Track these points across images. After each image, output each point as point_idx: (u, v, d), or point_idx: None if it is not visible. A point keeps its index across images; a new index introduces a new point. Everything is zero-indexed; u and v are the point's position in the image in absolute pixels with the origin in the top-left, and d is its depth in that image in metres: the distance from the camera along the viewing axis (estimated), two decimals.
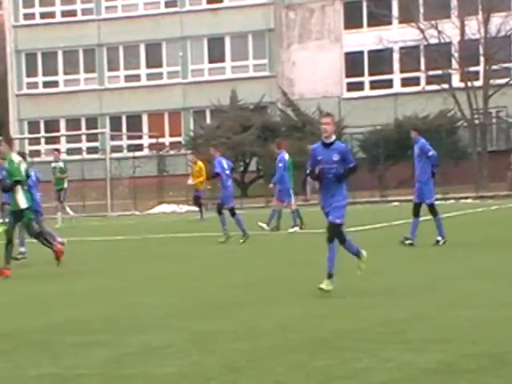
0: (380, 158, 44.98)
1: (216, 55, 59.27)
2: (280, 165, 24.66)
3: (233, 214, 22.00)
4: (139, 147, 57.44)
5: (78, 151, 59.35)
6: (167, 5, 60.37)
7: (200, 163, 33.62)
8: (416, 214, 18.49)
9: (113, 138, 55.96)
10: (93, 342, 9.60)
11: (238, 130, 48.18)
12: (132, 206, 44.69)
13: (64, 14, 62.44)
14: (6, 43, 64.39)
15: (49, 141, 60.31)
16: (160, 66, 60.54)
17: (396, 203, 37.32)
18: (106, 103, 59.97)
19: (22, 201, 17.14)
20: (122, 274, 17.19)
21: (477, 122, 46.70)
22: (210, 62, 59.54)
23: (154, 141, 56.92)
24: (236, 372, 7.74)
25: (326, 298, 11.98)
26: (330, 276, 11.96)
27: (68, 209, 33.36)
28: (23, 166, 17.46)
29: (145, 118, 60.60)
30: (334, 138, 12.41)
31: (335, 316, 10.52)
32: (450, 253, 17.26)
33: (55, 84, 62.60)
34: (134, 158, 52.09)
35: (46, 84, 62.81)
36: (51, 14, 62.71)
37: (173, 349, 9.03)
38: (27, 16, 63.28)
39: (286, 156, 25.08)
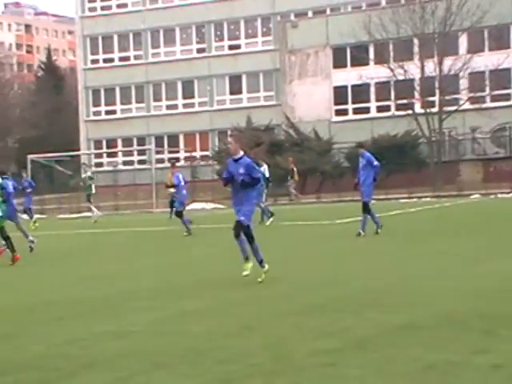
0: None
1: (235, 89, 59.39)
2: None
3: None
4: (177, 159, 57.49)
5: (131, 163, 59.63)
6: (198, 51, 60.48)
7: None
8: (365, 210, 17.93)
9: (157, 152, 56.02)
10: (142, 306, 9.63)
11: (252, 145, 48.10)
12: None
13: (120, 59, 62.64)
14: (78, 82, 64.62)
15: (109, 155, 60.55)
16: (192, 97, 60.63)
17: (372, 201, 37.15)
18: (152, 126, 60.11)
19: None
20: (165, 254, 17.26)
21: (434, 139, 46.66)
22: (231, 94, 59.65)
23: (188, 154, 56.96)
24: (250, 330, 7.75)
25: (320, 272, 11.98)
26: (247, 259, 11.13)
27: (94, 208, 32.97)
28: None
29: (181, 138, 60.75)
30: (241, 154, 11.23)
31: (327, 287, 10.51)
32: (414, 239, 17.19)
33: (114, 112, 62.77)
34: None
35: (107, 112, 63.01)
36: (111, 60, 62.91)
37: (203, 312, 9.06)
38: (93, 61, 63.49)
39: (263, 168, 24.67)
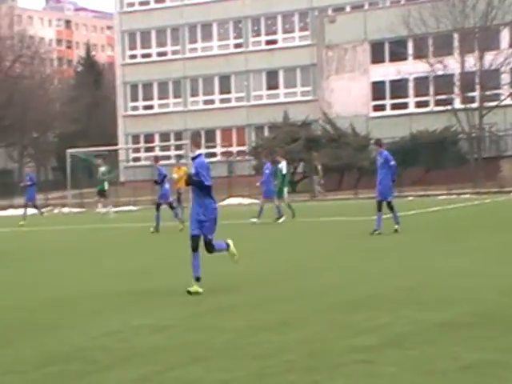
0: (398, 162, 44.47)
1: (272, 84, 59.31)
2: (266, 171, 24.06)
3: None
4: (213, 154, 57.56)
5: (168, 157, 59.78)
6: (235, 46, 60.49)
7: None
8: (379, 209, 17.65)
9: None
10: (179, 301, 9.67)
11: (289, 141, 48.06)
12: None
13: (158, 54, 62.90)
14: (116, 77, 65.06)
15: (147, 150, 60.85)
16: (229, 92, 60.69)
17: (410, 198, 36.95)
18: (189, 121, 60.20)
19: None
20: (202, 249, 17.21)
21: (474, 135, 46.16)
22: (268, 89, 59.59)
23: (224, 150, 57.05)
24: (286, 325, 7.77)
25: (354, 269, 11.92)
26: (197, 279, 10.03)
27: (100, 205, 33.09)
28: None
29: (218, 133, 60.82)
30: (197, 153, 10.38)
31: (361, 284, 10.47)
32: (450, 236, 17.05)
33: (151, 107, 63.08)
34: (210, 162, 52.12)
35: (145, 107, 63.33)
36: (149, 55, 63.20)
37: (239, 307, 9.09)
38: (131, 56, 63.84)
39: (281, 164, 24.53)
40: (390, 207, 17.74)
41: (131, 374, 6.16)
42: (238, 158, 55.52)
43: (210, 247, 10.20)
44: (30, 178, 29.54)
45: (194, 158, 10.37)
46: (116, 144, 59.27)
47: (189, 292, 9.80)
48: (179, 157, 36.74)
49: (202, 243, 10.24)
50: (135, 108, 63.58)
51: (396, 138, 46.45)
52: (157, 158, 24.03)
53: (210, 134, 60.37)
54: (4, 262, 16.11)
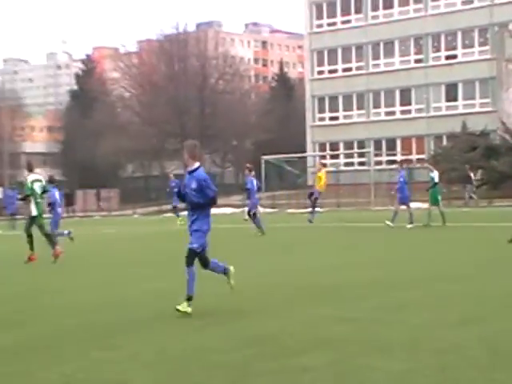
0: None
1: (451, 96, 57.64)
2: (401, 179, 23.59)
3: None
4: (393, 162, 56.75)
5: (352, 164, 59.80)
6: (415, 61, 59.37)
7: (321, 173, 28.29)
8: None
9: (375, 155, 55.59)
10: (364, 295, 9.57)
11: (468, 150, 46.53)
12: (388, 202, 44.21)
13: (343, 70, 62.97)
14: (305, 91, 65.85)
15: (332, 157, 61.09)
16: (409, 104, 59.63)
17: None
18: (371, 131, 59.82)
19: (33, 210, 15.88)
20: (392, 247, 16.98)
21: None
22: (447, 101, 57.96)
23: (404, 157, 56.08)
24: (467, 323, 7.47)
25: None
26: (189, 299, 8.56)
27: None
28: (37, 185, 15.99)
29: (398, 142, 59.98)
30: (196, 165, 8.81)
31: None
32: None
33: (336, 118, 63.24)
34: (390, 169, 51.55)
35: (331, 118, 63.60)
36: (335, 71, 63.42)
37: (420, 303, 8.84)
38: (319, 72, 64.33)
39: (433, 174, 23.67)
40: None
41: (318, 359, 6.18)
42: (418, 165, 54.36)
43: (202, 260, 8.84)
44: (175, 184, 30.80)
45: (192, 172, 8.77)
46: (304, 151, 59.93)
47: (177, 310, 8.44)
48: (322, 164, 36.29)
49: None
50: (322, 119, 64.04)
51: None
52: (250, 169, 23.08)
53: (391, 143, 59.85)
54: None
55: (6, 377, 6.23)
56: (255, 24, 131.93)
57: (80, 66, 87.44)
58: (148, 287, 11.36)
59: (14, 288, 12.31)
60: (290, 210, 41.19)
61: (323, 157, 61.61)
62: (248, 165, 23.76)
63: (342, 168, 57.43)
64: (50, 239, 16.18)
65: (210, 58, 71.22)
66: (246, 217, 22.91)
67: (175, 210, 32.06)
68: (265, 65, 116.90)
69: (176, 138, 65.30)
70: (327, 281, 11.32)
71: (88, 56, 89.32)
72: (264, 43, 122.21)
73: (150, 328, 8.01)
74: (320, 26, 64.37)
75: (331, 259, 14.92)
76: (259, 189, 23.99)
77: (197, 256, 8.70)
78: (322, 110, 64.00)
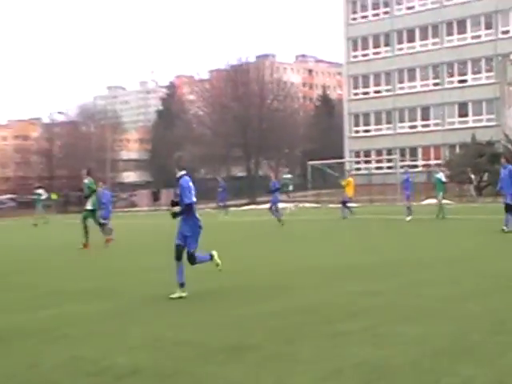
0: None
1: (463, 113, 56.02)
2: (409, 180, 23.13)
3: None
4: (415, 166, 55.93)
5: (381, 168, 59.08)
6: (433, 84, 58.33)
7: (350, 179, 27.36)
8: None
9: (400, 161, 54.97)
10: (393, 273, 9.37)
11: (476, 156, 45.12)
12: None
13: (374, 91, 62.30)
14: (343, 109, 65.42)
15: (365, 162, 60.45)
16: (428, 119, 58.66)
17: None
18: (397, 141, 59.18)
19: (90, 204, 15.93)
20: (422, 236, 16.67)
21: None
22: (459, 117, 56.45)
23: (424, 163, 55.04)
24: (482, 296, 7.30)
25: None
26: (181, 285, 8.05)
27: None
28: (93, 185, 16.15)
29: (419, 150, 59.11)
30: (181, 173, 8.09)
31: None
32: None
33: (369, 131, 62.57)
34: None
35: (364, 131, 62.91)
36: (367, 93, 62.76)
37: (436, 281, 8.59)
38: (355, 94, 63.76)
39: (439, 175, 23.26)
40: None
41: (354, 326, 6.16)
42: (436, 169, 53.31)
43: (191, 259, 8.10)
44: (221, 185, 31.02)
45: (178, 179, 8.12)
46: (342, 158, 59.53)
47: (172, 298, 7.92)
48: (348, 171, 35.89)
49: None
50: (357, 131, 63.48)
51: None
52: (274, 176, 22.77)
53: (413, 151, 59.19)
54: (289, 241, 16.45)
55: (106, 334, 6.41)
56: (303, 55, 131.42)
57: (164, 90, 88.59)
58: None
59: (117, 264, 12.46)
60: (331, 205, 40.98)
61: (357, 162, 61.32)
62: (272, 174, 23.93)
63: (374, 171, 56.97)
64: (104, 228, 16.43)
65: (267, 82, 71.25)
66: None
67: (224, 207, 31.97)
68: (311, 88, 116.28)
69: (239, 147, 65.82)
70: (361, 261, 11.12)
71: (171, 83, 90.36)
72: (310, 71, 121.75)
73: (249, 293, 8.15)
74: (355, 56, 63.87)
75: (364, 243, 14.70)
76: (278, 189, 23.60)
77: (189, 256, 8.01)
78: (357, 125, 63.47)
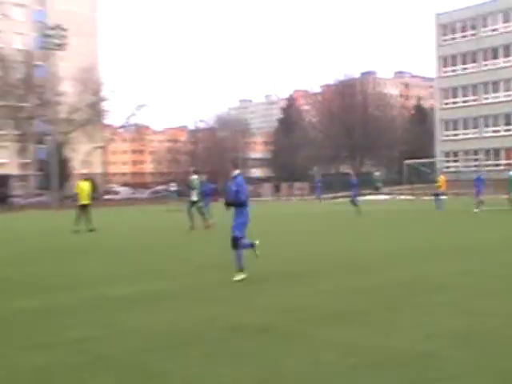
0: None
1: None
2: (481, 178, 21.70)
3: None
4: (498, 165, 52.30)
5: (469, 167, 55.80)
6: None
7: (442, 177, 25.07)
8: None
9: (485, 160, 51.58)
10: (486, 254, 8.98)
11: None
12: (492, 192, 40.26)
13: (463, 101, 58.98)
14: (435, 117, 62.62)
15: (454, 161, 57.50)
16: (510, 125, 54.65)
17: None
18: (482, 144, 55.58)
19: (194, 197, 15.89)
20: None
21: None
22: None
23: (506, 162, 51.19)
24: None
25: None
26: (241, 270, 7.53)
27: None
28: (197, 181, 16.07)
29: (502, 151, 55.14)
30: (235, 173, 7.62)
31: None
32: None
33: (457, 135, 59.25)
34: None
35: (453, 135, 59.62)
36: (456, 102, 59.42)
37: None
38: (445, 103, 60.69)
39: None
40: None
41: (441, 297, 6.07)
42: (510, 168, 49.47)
43: (235, 244, 7.52)
44: (318, 181, 30.46)
45: (234, 177, 7.66)
46: (433, 157, 56.96)
47: (236, 281, 7.36)
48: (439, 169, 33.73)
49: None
50: (447, 135, 60.42)
51: None
52: (356, 174, 21.50)
53: (497, 152, 55.64)
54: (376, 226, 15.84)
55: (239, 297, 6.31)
56: (400, 72, 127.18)
57: (284, 102, 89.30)
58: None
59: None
60: (425, 197, 39.49)
61: (447, 161, 58.57)
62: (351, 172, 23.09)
63: (462, 169, 54.11)
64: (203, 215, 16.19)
65: (370, 94, 70.03)
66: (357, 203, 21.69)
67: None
68: (407, 99, 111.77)
69: (346, 148, 65.40)
70: (444, 243, 10.67)
71: (290, 95, 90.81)
72: (406, 84, 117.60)
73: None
74: (446, 71, 60.80)
75: (448, 226, 14.03)
76: (356, 185, 22.20)
77: (235, 241, 7.49)
78: (447, 129, 60.43)
